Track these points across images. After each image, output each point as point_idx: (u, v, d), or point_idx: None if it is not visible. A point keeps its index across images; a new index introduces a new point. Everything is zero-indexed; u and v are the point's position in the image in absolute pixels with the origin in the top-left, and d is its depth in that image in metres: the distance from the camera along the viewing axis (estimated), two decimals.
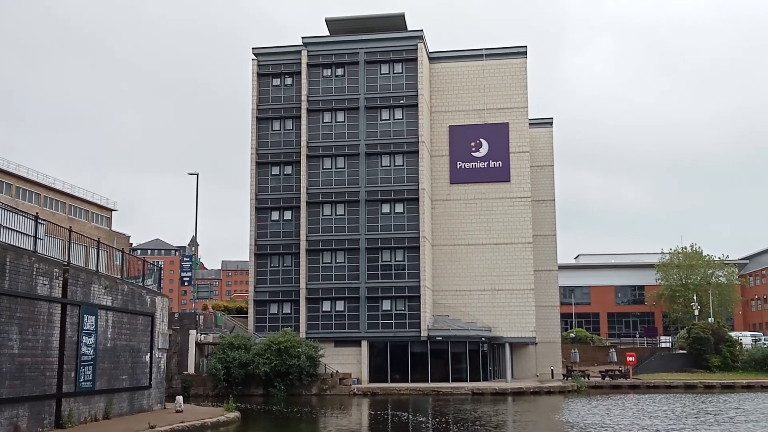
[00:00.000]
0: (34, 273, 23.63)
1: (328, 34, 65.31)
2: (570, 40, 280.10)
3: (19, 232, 24.13)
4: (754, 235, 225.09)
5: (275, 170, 63.31)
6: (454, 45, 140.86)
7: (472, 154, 63.64)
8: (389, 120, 62.27)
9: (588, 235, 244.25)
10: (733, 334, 73.63)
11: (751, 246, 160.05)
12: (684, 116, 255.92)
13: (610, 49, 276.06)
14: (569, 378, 60.64)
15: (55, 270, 24.99)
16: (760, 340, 75.93)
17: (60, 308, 25.09)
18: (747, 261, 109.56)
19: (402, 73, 62.71)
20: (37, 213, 27.13)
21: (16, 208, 25.36)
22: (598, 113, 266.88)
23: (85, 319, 26.45)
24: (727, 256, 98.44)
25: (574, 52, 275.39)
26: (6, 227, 23.47)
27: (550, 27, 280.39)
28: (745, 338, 74.62)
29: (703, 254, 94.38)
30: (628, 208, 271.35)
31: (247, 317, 62.95)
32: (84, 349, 26.34)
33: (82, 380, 26.17)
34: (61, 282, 25.22)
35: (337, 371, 54.24)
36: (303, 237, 60.75)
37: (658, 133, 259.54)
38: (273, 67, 64.50)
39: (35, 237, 24.77)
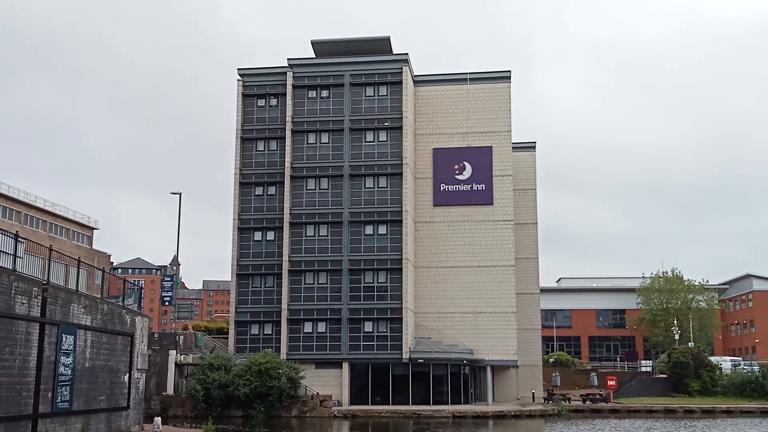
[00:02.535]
0: (13, 292, 23.40)
1: (314, 56, 65.61)
2: (537, 64, 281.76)
3: None
4: (732, 260, 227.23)
5: (258, 190, 63.23)
6: (431, 69, 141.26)
7: (456, 176, 63.92)
8: (374, 142, 62.47)
9: (567, 258, 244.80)
10: (713, 358, 74.01)
11: (731, 271, 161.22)
12: (661, 140, 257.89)
13: (581, 71, 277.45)
14: (550, 401, 60.64)
15: (34, 289, 24.76)
16: (739, 365, 76.35)
17: (38, 327, 24.81)
18: (727, 286, 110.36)
19: (387, 95, 63.04)
20: (17, 231, 26.94)
21: None
22: (571, 135, 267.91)
23: (64, 339, 26.18)
24: (707, 281, 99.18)
25: (544, 74, 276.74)
26: None
27: (519, 50, 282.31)
28: (725, 363, 74.97)
29: (684, 279, 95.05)
30: (605, 232, 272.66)
31: (227, 338, 62.54)
32: (62, 369, 26.04)
33: (59, 401, 25.85)
34: (40, 301, 24.98)
35: (317, 393, 53.94)
36: (285, 258, 60.60)
37: (633, 156, 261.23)
38: (258, 88, 64.64)
39: (15, 255, 24.56)
